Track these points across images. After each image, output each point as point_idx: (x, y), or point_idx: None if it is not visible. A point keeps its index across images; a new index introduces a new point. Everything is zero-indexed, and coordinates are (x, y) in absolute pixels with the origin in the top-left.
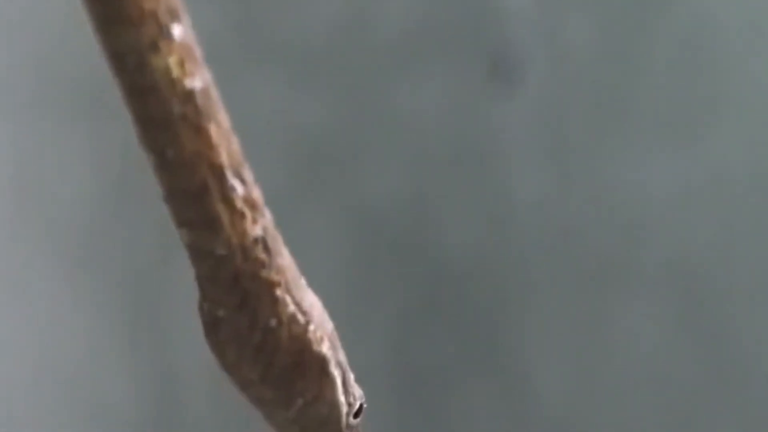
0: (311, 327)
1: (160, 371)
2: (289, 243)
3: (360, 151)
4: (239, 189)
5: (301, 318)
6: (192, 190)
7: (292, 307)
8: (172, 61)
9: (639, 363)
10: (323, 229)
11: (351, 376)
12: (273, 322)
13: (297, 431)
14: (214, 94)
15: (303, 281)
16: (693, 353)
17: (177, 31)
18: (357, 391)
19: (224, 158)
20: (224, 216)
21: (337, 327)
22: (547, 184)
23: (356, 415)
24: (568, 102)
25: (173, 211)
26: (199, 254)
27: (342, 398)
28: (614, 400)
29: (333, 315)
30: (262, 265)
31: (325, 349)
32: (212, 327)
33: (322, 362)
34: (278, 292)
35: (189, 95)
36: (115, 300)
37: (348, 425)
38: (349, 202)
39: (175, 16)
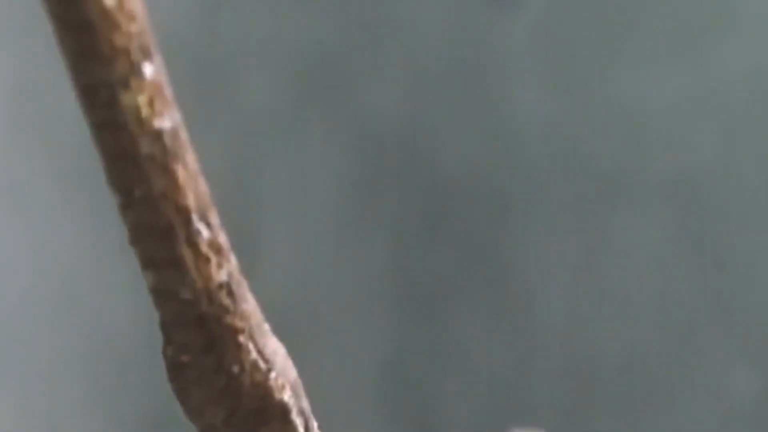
0: (273, 374)
1: None
2: (291, 160)
3: (363, 69)
4: (205, 233)
5: (263, 365)
6: (158, 231)
7: (254, 354)
8: (142, 99)
9: (639, 276)
10: (324, 144)
11: (314, 424)
12: (236, 369)
13: None
14: (183, 135)
15: (266, 327)
16: (692, 265)
17: (148, 69)
18: None
19: (191, 200)
20: (189, 259)
21: (339, 242)
22: (547, 101)
23: None
24: (570, 19)
25: (139, 252)
26: (164, 297)
27: None
28: (614, 313)
29: (334, 231)
30: (227, 310)
31: (287, 397)
32: (176, 371)
33: (283, 410)
34: (241, 338)
35: (157, 135)
36: (113, 215)
37: None
38: (351, 118)
39: (147, 54)
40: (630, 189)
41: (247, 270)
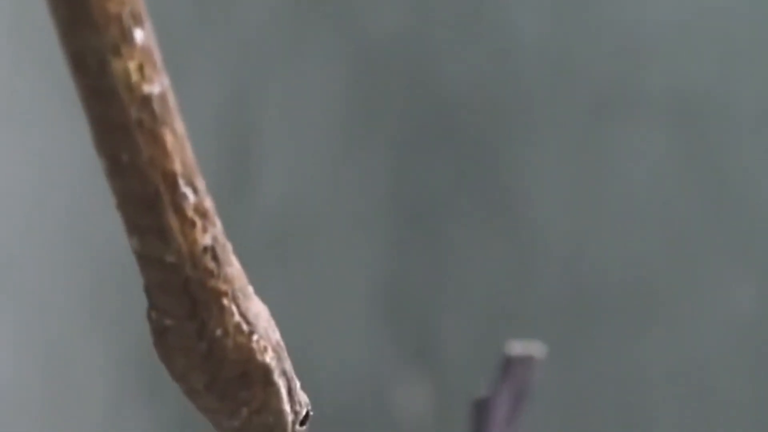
0: (255, 337)
1: None
2: (290, 78)
3: None
4: (191, 197)
5: (245, 328)
6: (144, 196)
7: (237, 317)
8: (132, 65)
9: (639, 190)
10: (323, 61)
11: (297, 384)
12: (219, 332)
13: None
14: (172, 100)
15: (250, 290)
16: (693, 180)
17: (139, 35)
18: (303, 398)
19: (178, 166)
20: (175, 224)
21: (338, 161)
22: (548, 17)
23: (303, 422)
24: None
25: (125, 218)
26: (148, 262)
27: (287, 407)
28: (614, 227)
29: (333, 149)
30: (211, 274)
31: (269, 358)
32: (160, 336)
33: (265, 372)
34: (225, 301)
35: (146, 100)
36: None
37: None
38: (351, 31)
39: (138, 21)
40: (630, 104)
41: (245, 190)
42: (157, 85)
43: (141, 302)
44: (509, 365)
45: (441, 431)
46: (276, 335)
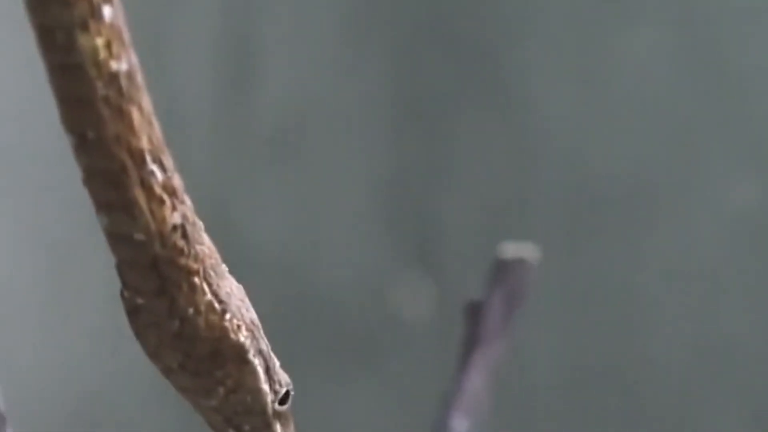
0: (227, 315)
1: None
2: None
3: None
4: (159, 175)
5: (217, 306)
6: (111, 172)
7: (209, 296)
8: (100, 42)
9: (641, 88)
10: None
11: (276, 363)
12: (190, 311)
13: (221, 420)
14: (139, 78)
15: (223, 268)
16: (696, 77)
17: (108, 12)
18: (283, 377)
19: (144, 143)
20: (142, 201)
21: (338, 56)
22: None
23: (283, 401)
24: None
25: (92, 194)
26: (117, 240)
27: (265, 386)
28: (615, 125)
29: (334, 43)
30: (181, 252)
31: (243, 337)
32: (133, 314)
33: (239, 350)
34: (196, 280)
35: (114, 77)
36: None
37: (275, 412)
38: None
39: None
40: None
41: (246, 88)
42: (124, 63)
43: None
44: (502, 268)
45: (442, 331)
46: (251, 314)
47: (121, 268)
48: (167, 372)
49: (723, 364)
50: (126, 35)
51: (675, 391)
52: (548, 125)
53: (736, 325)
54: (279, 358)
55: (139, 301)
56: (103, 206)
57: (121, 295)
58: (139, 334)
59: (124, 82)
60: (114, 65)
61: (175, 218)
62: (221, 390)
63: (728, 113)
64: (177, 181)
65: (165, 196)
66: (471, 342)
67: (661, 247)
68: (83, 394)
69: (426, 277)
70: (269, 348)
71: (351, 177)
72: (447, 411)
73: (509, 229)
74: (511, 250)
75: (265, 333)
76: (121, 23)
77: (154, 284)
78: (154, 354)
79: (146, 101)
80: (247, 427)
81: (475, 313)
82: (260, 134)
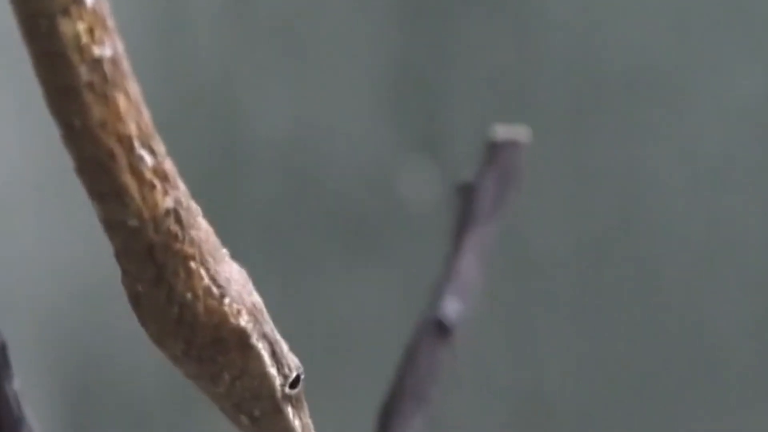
0: (227, 300)
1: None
2: None
3: None
4: (149, 160)
5: (216, 291)
6: (99, 160)
7: (206, 281)
8: (82, 27)
9: None
10: None
11: (284, 347)
12: (189, 296)
13: (231, 406)
14: (125, 63)
15: (222, 253)
16: None
17: None
18: (293, 361)
19: (132, 129)
20: (133, 187)
21: None
22: None
23: (293, 385)
24: None
25: (85, 182)
26: (112, 227)
27: (271, 370)
28: (622, 13)
29: None
30: (175, 237)
31: (244, 322)
32: (135, 301)
33: (241, 335)
34: (192, 265)
35: (97, 63)
36: None
37: (285, 396)
38: None
39: None
40: None
41: None
42: (108, 48)
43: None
44: (494, 150)
45: (447, 218)
46: (253, 298)
47: (119, 256)
48: (173, 359)
49: (728, 251)
50: (110, 21)
51: (679, 276)
52: (554, 11)
53: (741, 215)
54: (286, 245)
55: (139, 288)
56: (95, 194)
57: (123, 282)
58: (142, 322)
59: (108, 67)
60: (97, 51)
61: (168, 203)
62: (226, 376)
63: (736, 2)
64: (168, 166)
65: (156, 181)
66: (463, 224)
67: (664, 137)
68: (77, 291)
69: (432, 163)
70: (275, 331)
71: (357, 65)
72: (439, 293)
73: (515, 115)
74: (504, 131)
75: (272, 221)
76: (105, 9)
77: (151, 270)
78: (158, 341)
79: (133, 87)
80: (257, 412)
81: (467, 195)
82: (265, 24)
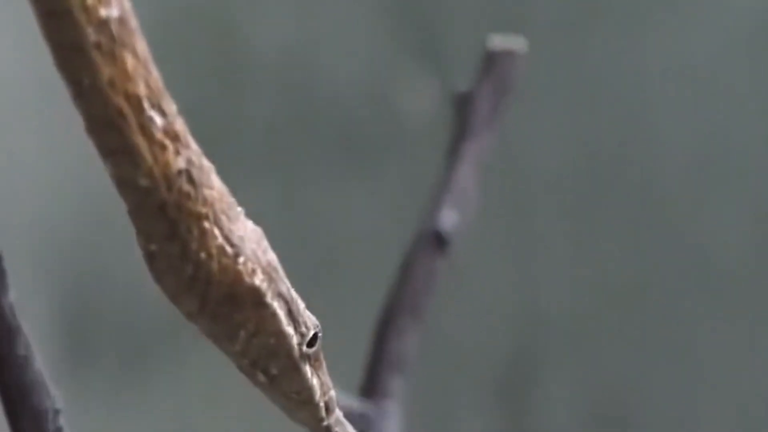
0: (241, 259)
1: None
2: None
3: None
4: (158, 120)
5: (229, 250)
6: (109, 119)
7: (220, 239)
8: None
9: None
10: None
11: (300, 306)
12: (202, 255)
13: (248, 364)
14: (133, 23)
15: (237, 211)
16: None
17: None
18: (310, 319)
19: (141, 88)
20: (143, 147)
21: None
22: None
23: (311, 344)
24: None
25: (95, 142)
26: (124, 186)
27: (288, 329)
28: None
29: None
30: (188, 196)
31: (258, 281)
32: (150, 260)
33: (255, 294)
34: (206, 224)
35: (104, 23)
36: None
37: (302, 354)
38: None
39: None
40: None
41: None
42: (115, 8)
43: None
44: (491, 60)
45: (445, 130)
46: (267, 257)
47: (132, 214)
48: (190, 317)
49: (726, 164)
50: None
51: (677, 188)
52: None
53: (736, 124)
54: (285, 158)
55: (153, 247)
56: (106, 153)
57: (138, 243)
58: (158, 280)
59: (115, 27)
60: (103, 12)
61: (180, 163)
62: (242, 333)
63: None
64: (179, 126)
65: (167, 141)
66: (460, 135)
67: (660, 46)
68: (77, 207)
69: (429, 75)
70: (291, 290)
71: None
72: (436, 205)
73: (512, 26)
74: (500, 42)
75: (270, 134)
76: None
77: (164, 229)
78: (174, 299)
79: (141, 46)
80: (274, 370)
81: (463, 104)
82: None
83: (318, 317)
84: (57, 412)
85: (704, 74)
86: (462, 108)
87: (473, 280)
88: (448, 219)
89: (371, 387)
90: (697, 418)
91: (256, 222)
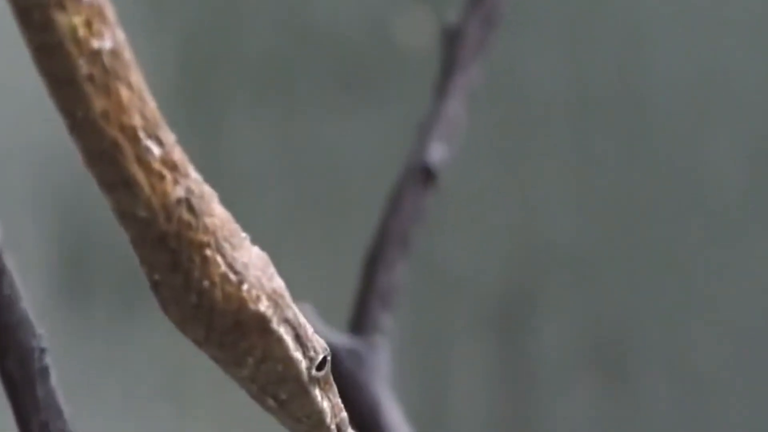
0: (245, 286)
1: None
2: None
3: None
4: (155, 150)
5: (233, 277)
6: (103, 151)
7: (223, 267)
8: (78, 20)
9: None
10: None
11: (308, 330)
12: (206, 284)
13: (257, 389)
14: (127, 54)
15: (241, 237)
16: None
17: None
18: (318, 343)
19: (137, 120)
20: (141, 178)
21: None
22: None
23: (320, 367)
24: None
25: (94, 175)
26: (124, 218)
27: (296, 354)
28: None
29: None
30: (188, 226)
31: (263, 307)
32: (155, 289)
33: (260, 321)
34: (208, 252)
35: (96, 55)
36: None
37: (312, 378)
38: None
39: None
40: None
41: None
42: (107, 40)
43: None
44: None
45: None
46: (273, 283)
47: (134, 246)
48: (198, 344)
49: (720, 90)
50: (109, 12)
51: (671, 117)
52: None
53: (732, 52)
54: (282, 88)
55: (156, 276)
56: (105, 187)
57: (142, 270)
58: (164, 308)
59: (107, 59)
60: (95, 43)
61: (178, 192)
62: (250, 360)
63: None
64: (178, 155)
65: (165, 171)
66: (447, 67)
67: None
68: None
69: (427, 5)
70: (299, 315)
71: None
72: (424, 138)
73: None
74: None
75: (268, 65)
76: (103, 1)
77: (166, 260)
78: (180, 327)
79: (136, 77)
80: (283, 395)
81: (451, 38)
82: None
83: (311, 249)
84: (43, 350)
85: (702, 3)
86: (450, 41)
87: (470, 212)
88: (436, 152)
89: (360, 322)
90: (692, 345)
91: (254, 151)
